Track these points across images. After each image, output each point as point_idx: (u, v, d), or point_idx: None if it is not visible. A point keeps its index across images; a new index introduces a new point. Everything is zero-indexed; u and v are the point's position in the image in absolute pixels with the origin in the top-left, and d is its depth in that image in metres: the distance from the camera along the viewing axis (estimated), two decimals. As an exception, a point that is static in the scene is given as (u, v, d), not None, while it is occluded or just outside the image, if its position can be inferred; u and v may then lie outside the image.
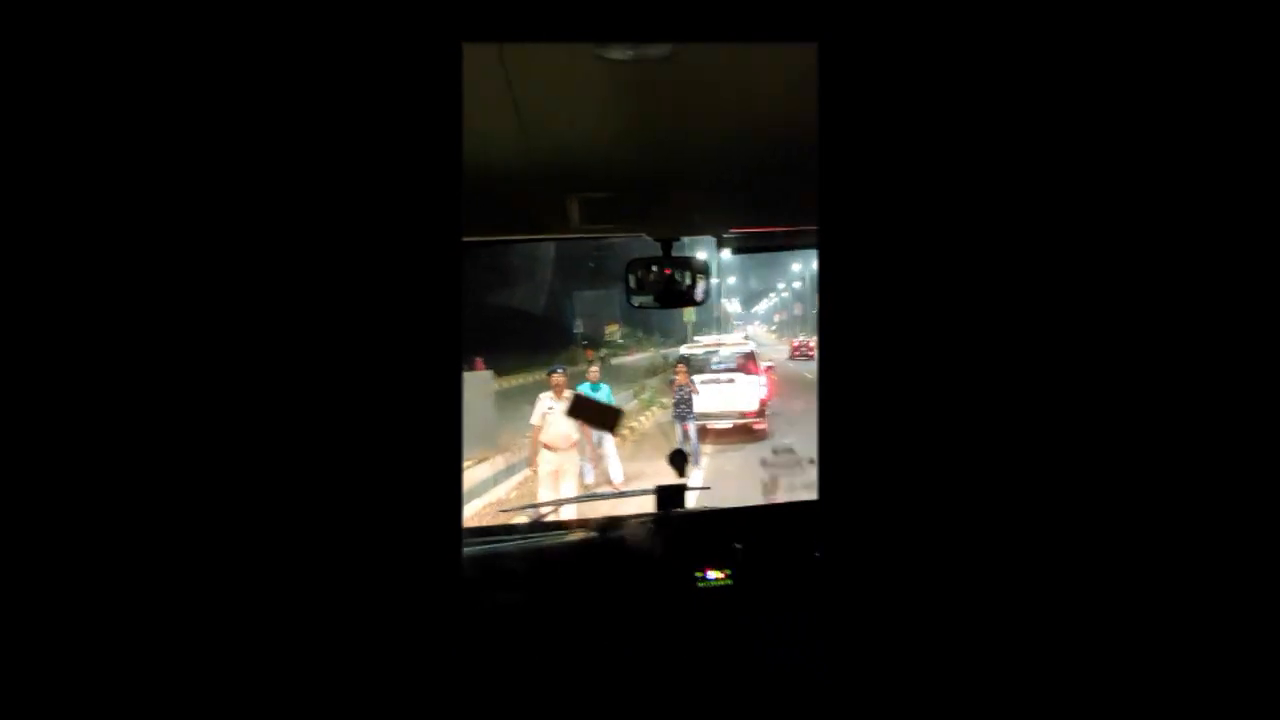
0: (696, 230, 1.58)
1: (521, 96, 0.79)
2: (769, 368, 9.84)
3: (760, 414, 8.60)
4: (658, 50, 0.68)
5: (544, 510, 1.82)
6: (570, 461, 5.22)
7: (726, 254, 1.73)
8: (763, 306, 54.05)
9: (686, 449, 7.74)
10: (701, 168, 1.13)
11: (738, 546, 1.40)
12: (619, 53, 0.69)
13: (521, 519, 1.99)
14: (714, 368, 9.03)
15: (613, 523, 1.52)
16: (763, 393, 8.67)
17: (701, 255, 1.73)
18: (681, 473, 1.83)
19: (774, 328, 45.44)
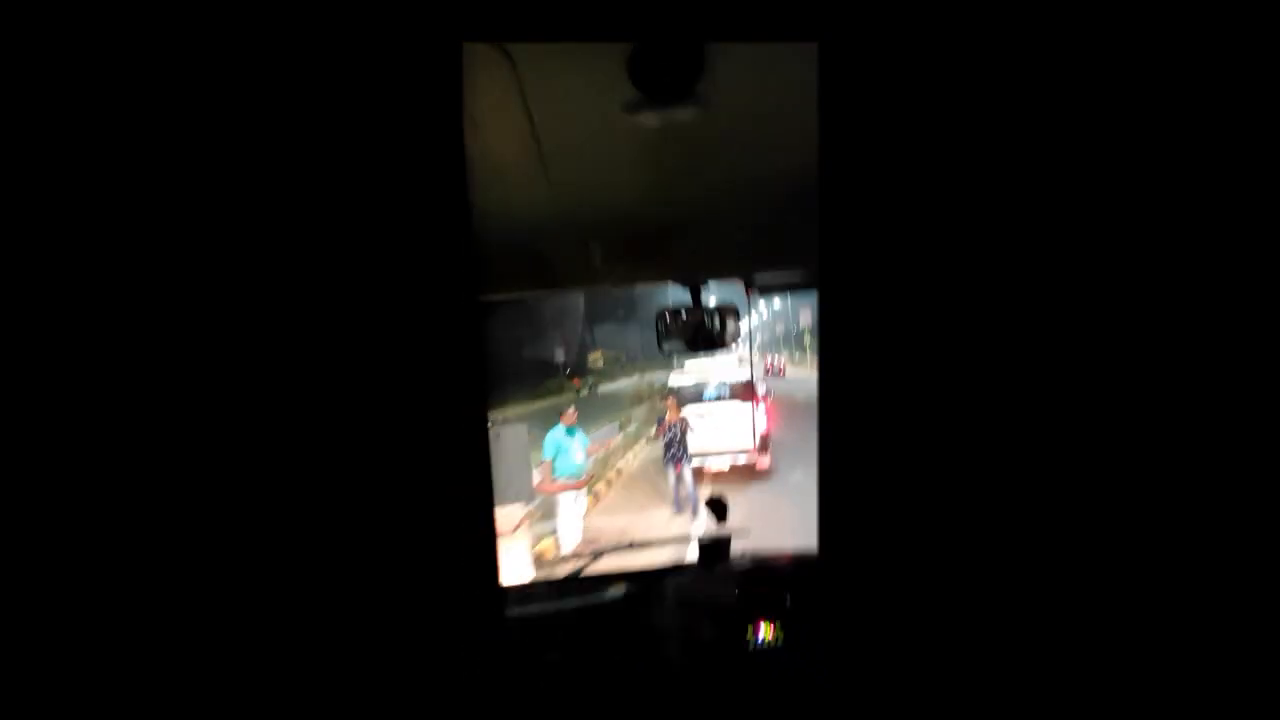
0: (723, 275, 1.56)
1: (549, 151, 0.83)
2: (765, 393, 8.95)
3: (763, 449, 7.70)
4: (685, 114, 0.73)
5: (582, 561, 1.70)
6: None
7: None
8: (743, 324, 53.50)
9: (682, 495, 6.94)
10: (726, 213, 1.15)
11: (787, 598, 1.36)
12: (649, 119, 0.73)
13: (559, 569, 1.86)
14: (707, 398, 8.12)
15: (656, 579, 1.46)
16: (764, 425, 7.78)
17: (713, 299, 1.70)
18: (722, 519, 1.80)
19: (758, 347, 44.98)
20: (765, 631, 1.30)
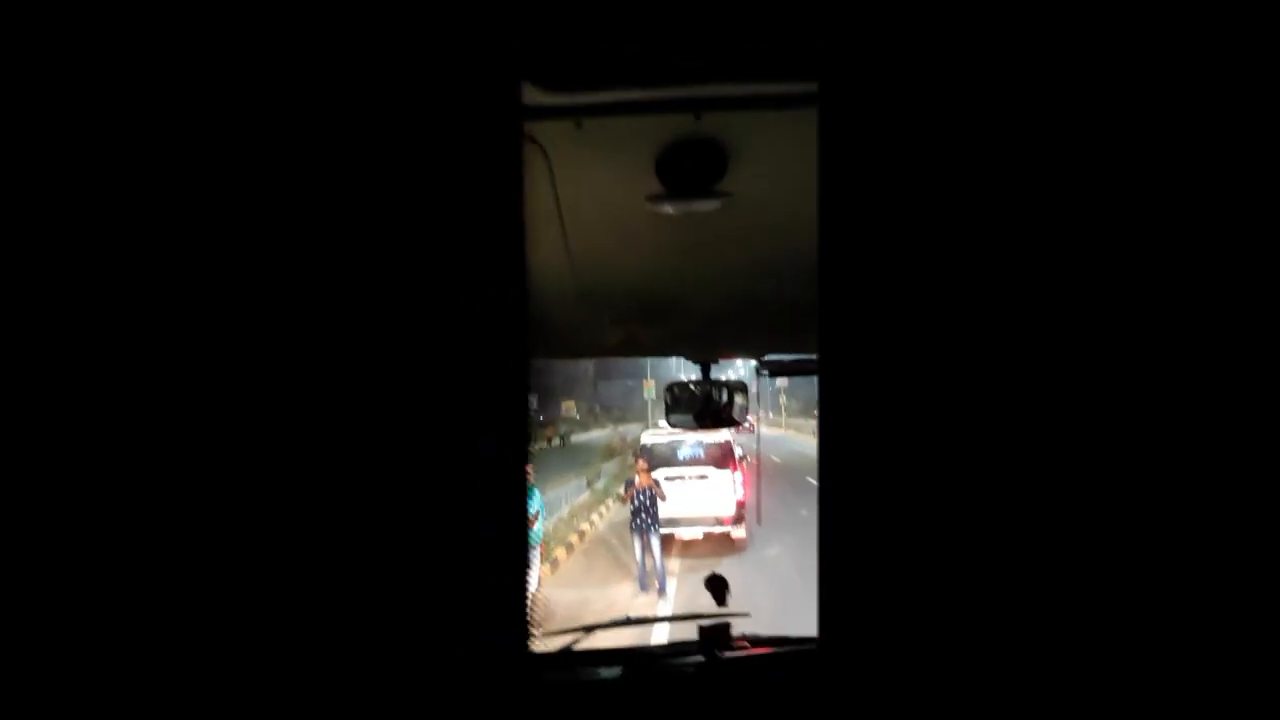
0: (734, 354, 1.70)
1: (572, 228, 0.87)
2: (742, 456, 8.41)
3: (738, 519, 7.12)
4: (706, 205, 0.77)
5: (571, 639, 1.57)
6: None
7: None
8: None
9: (649, 567, 6.29)
10: (740, 297, 1.20)
11: (788, 696, 1.30)
12: (670, 208, 0.78)
13: (552, 642, 1.66)
14: (681, 460, 7.55)
15: (652, 662, 1.42)
16: (740, 492, 7.22)
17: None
18: (722, 601, 1.66)
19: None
20: None
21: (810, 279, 0.64)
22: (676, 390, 1.66)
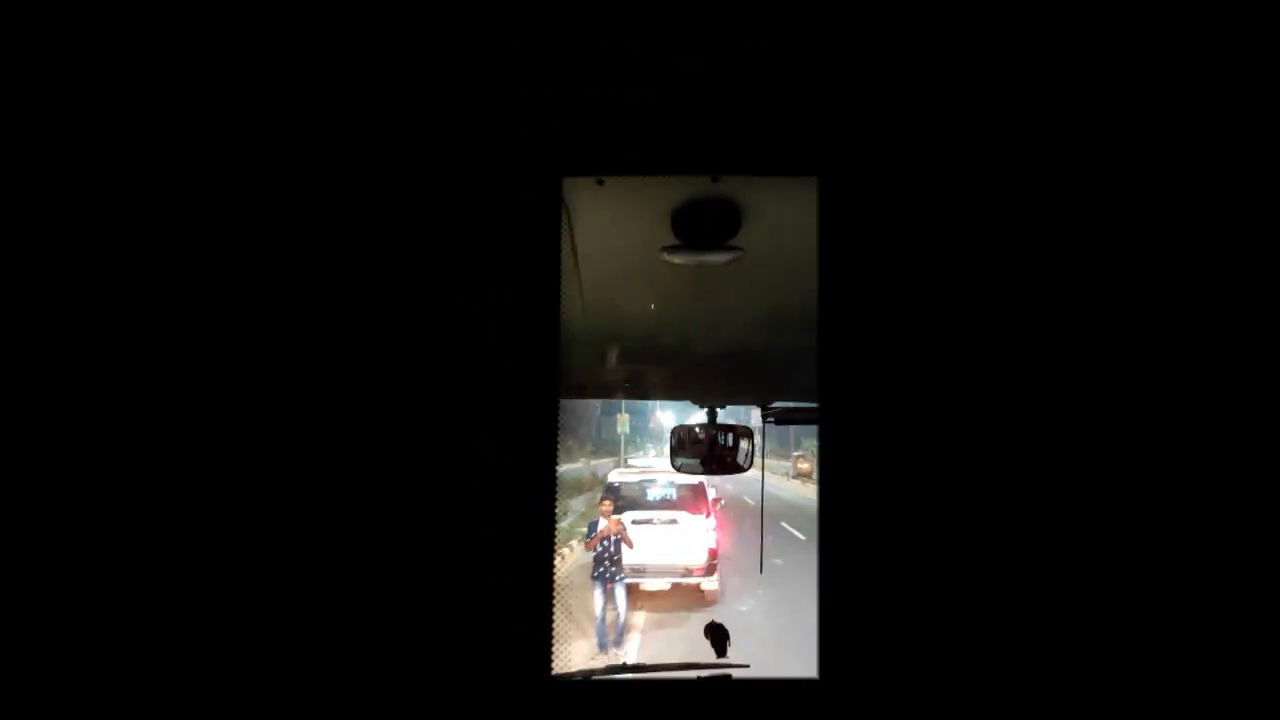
0: (741, 401, 1.72)
1: (587, 279, 0.90)
2: (715, 499, 7.94)
3: (710, 570, 6.62)
4: (718, 258, 0.81)
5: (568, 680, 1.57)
6: None
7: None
8: (698, 418, 52.97)
9: (610, 619, 5.73)
10: (746, 349, 1.27)
11: None
12: (683, 259, 0.82)
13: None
14: (650, 502, 7.06)
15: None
16: (712, 540, 6.74)
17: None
18: (722, 651, 1.67)
19: (709, 444, 44.27)
20: None
21: (815, 329, 0.63)
22: (682, 434, 1.65)
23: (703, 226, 0.75)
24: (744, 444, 1.65)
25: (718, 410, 1.63)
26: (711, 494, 8.17)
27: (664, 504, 7.02)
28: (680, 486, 7.17)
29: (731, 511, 11.80)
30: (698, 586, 6.57)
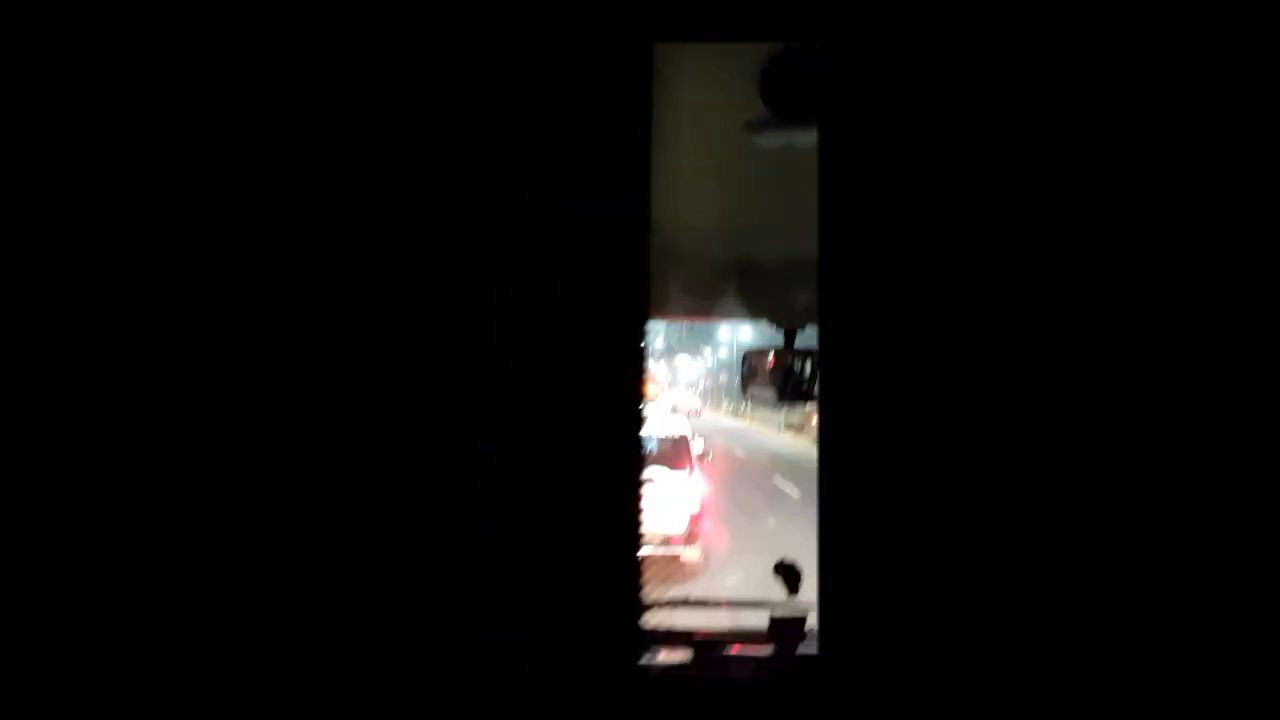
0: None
1: (661, 175, 0.79)
2: (702, 454, 6.89)
3: (691, 538, 5.57)
4: (807, 137, 0.70)
5: None
6: None
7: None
8: (689, 370, 52.58)
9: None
10: None
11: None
12: (768, 140, 0.74)
13: None
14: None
15: (712, 650, 1.35)
16: (695, 503, 5.67)
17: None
18: (795, 589, 1.50)
19: (699, 393, 43.84)
20: None
21: None
22: (754, 360, 1.58)
23: (792, 97, 0.67)
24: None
25: (796, 332, 1.42)
26: (700, 445, 7.12)
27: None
28: (661, 439, 6.08)
29: (720, 464, 10.88)
30: (677, 558, 5.52)
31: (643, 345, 0.51)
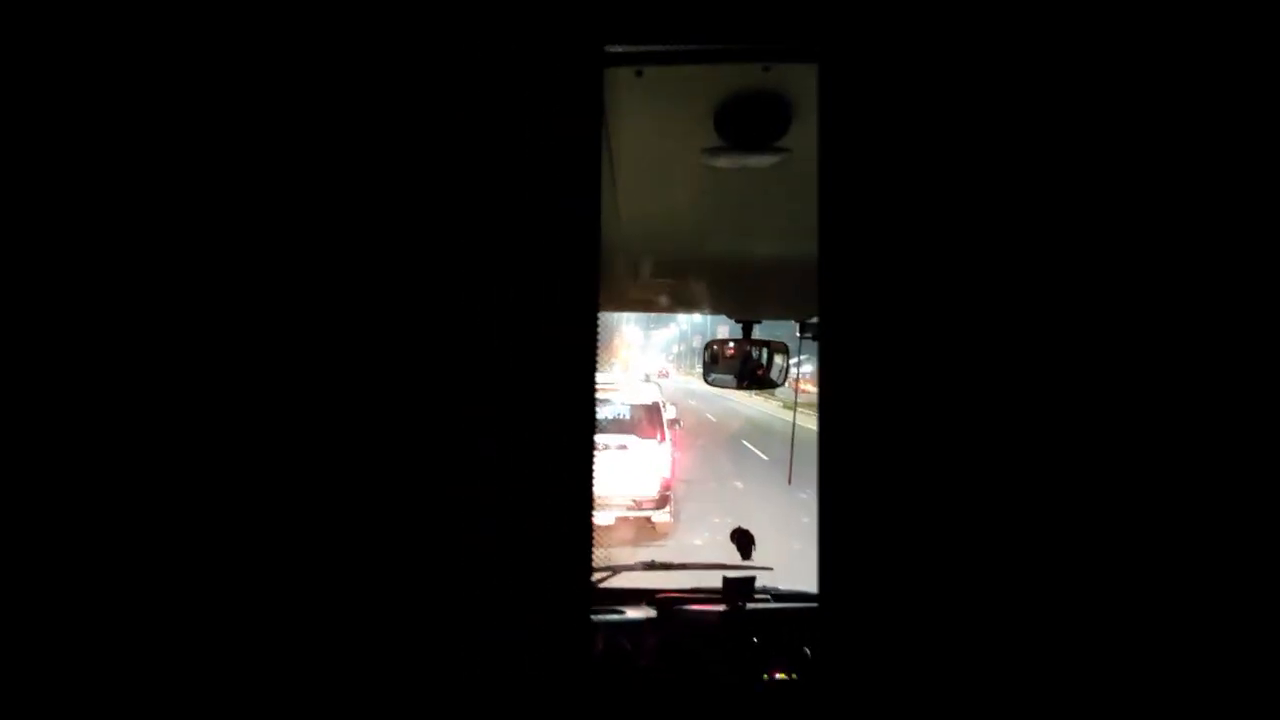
0: (777, 315, 1.64)
1: (622, 179, 0.86)
2: (673, 420, 7.11)
3: (662, 502, 5.84)
4: (762, 161, 0.76)
5: (598, 577, 1.65)
6: None
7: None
8: (662, 336, 52.67)
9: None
10: (786, 260, 1.18)
11: (806, 651, 1.42)
12: (725, 162, 0.77)
13: None
14: (599, 422, 6.17)
15: (672, 606, 1.52)
16: (666, 469, 5.93)
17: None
18: (747, 554, 1.69)
19: (672, 358, 44.03)
20: (781, 678, 1.34)
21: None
22: (715, 348, 1.68)
23: (748, 124, 0.70)
24: (778, 359, 1.64)
25: (753, 325, 1.61)
26: (672, 412, 7.35)
27: (614, 427, 6.15)
28: (634, 407, 6.29)
29: (690, 430, 11.13)
30: (648, 520, 5.80)
31: (594, 337, 0.52)
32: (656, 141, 0.78)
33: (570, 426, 0.51)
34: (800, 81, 0.66)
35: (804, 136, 0.71)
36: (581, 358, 0.51)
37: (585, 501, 0.51)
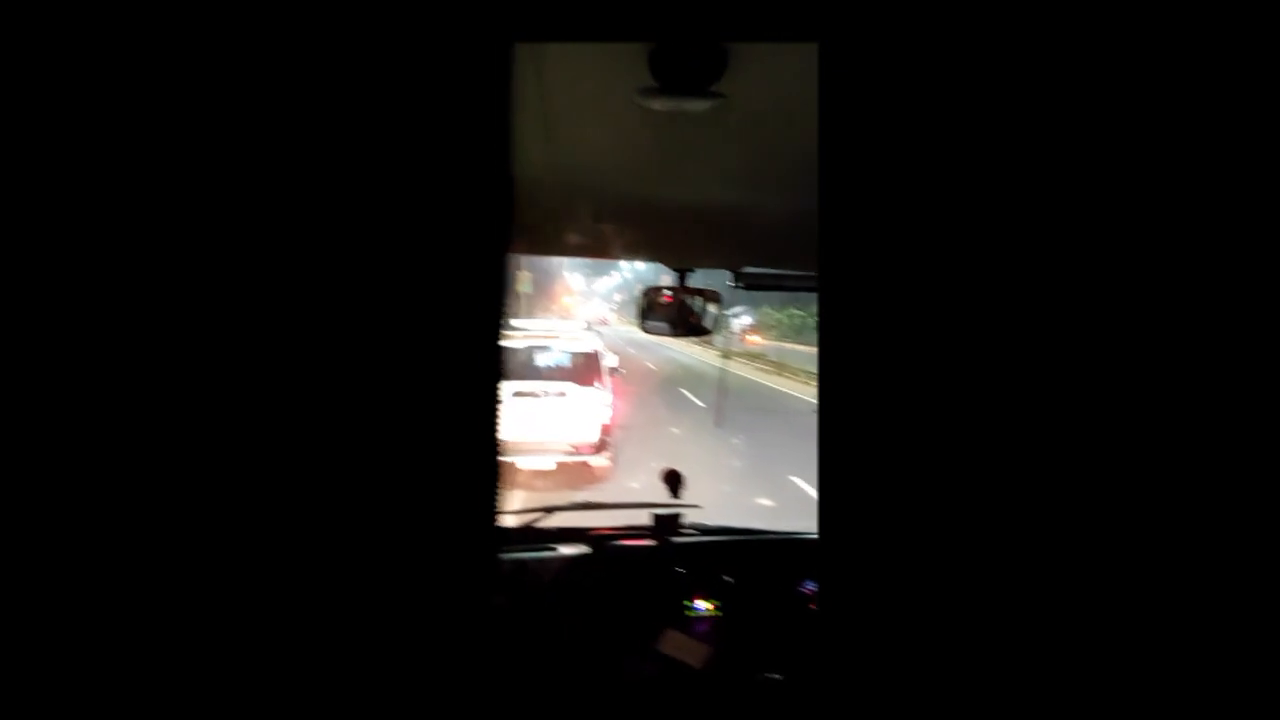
0: (712, 264, 1.69)
1: (555, 119, 0.84)
2: (614, 369, 7.20)
3: (600, 447, 5.97)
4: (697, 105, 0.74)
5: (533, 517, 1.72)
6: None
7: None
8: (603, 284, 52.24)
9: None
10: (722, 208, 1.22)
11: (728, 580, 1.51)
12: (660, 104, 0.75)
13: (508, 520, 1.76)
14: (537, 370, 6.19)
15: (604, 542, 1.60)
16: (605, 415, 6.03)
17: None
18: (675, 494, 1.79)
19: (615, 307, 43.92)
20: (704, 606, 1.48)
21: (802, 191, 0.65)
22: (651, 295, 1.70)
23: (683, 66, 0.68)
24: (711, 308, 1.65)
25: (687, 273, 1.65)
26: (613, 360, 7.42)
27: (553, 373, 6.18)
28: (574, 354, 6.33)
29: (630, 378, 11.27)
30: (585, 464, 5.93)
31: (503, 276, 0.52)
32: (591, 81, 0.75)
33: (476, 371, 0.50)
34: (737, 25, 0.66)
35: (742, 82, 0.70)
36: (488, 296, 0.50)
37: (490, 445, 0.51)
